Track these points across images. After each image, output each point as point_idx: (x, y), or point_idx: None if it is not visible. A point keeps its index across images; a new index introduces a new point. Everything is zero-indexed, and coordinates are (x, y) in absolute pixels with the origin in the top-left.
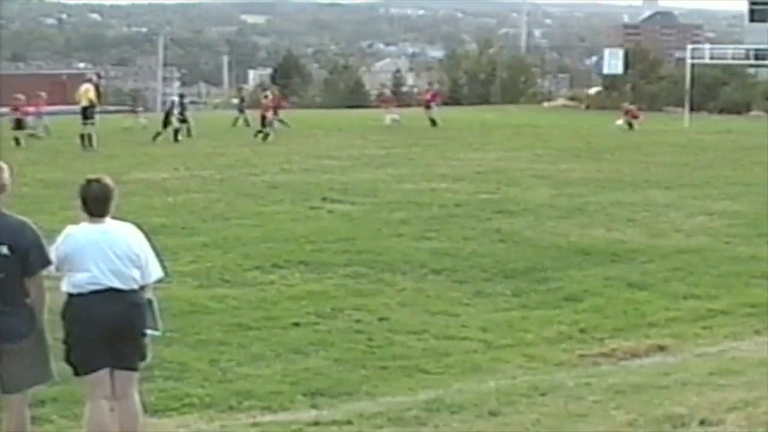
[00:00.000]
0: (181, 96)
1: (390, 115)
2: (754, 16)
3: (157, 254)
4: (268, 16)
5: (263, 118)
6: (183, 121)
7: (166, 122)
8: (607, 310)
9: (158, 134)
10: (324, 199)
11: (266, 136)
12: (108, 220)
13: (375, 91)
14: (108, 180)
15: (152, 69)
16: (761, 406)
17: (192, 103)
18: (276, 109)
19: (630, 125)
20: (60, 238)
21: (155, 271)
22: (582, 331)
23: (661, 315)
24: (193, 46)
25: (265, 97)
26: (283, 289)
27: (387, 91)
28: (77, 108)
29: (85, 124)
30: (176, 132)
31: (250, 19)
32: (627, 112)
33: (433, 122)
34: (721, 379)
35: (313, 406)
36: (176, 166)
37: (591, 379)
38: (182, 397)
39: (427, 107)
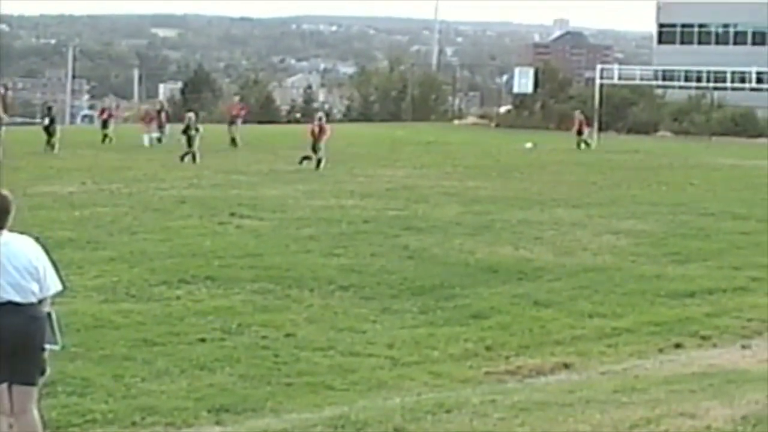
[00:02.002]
0: (49, 108)
1: (150, 135)
2: (662, 38)
3: (56, 267)
4: (179, 29)
5: (315, 142)
6: (49, 133)
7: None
8: (513, 328)
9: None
10: (232, 214)
11: (318, 162)
12: (5, 232)
13: (286, 107)
14: (6, 192)
15: (61, 81)
16: (663, 424)
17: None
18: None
19: (587, 144)
20: None
21: (54, 284)
22: (488, 348)
23: (567, 333)
24: (103, 58)
25: (320, 119)
26: (190, 305)
27: (144, 108)
28: None
29: None
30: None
31: (161, 32)
32: (579, 124)
33: (233, 141)
34: (625, 397)
35: (218, 423)
36: (83, 180)
37: (496, 396)
38: (85, 413)
39: (232, 122)
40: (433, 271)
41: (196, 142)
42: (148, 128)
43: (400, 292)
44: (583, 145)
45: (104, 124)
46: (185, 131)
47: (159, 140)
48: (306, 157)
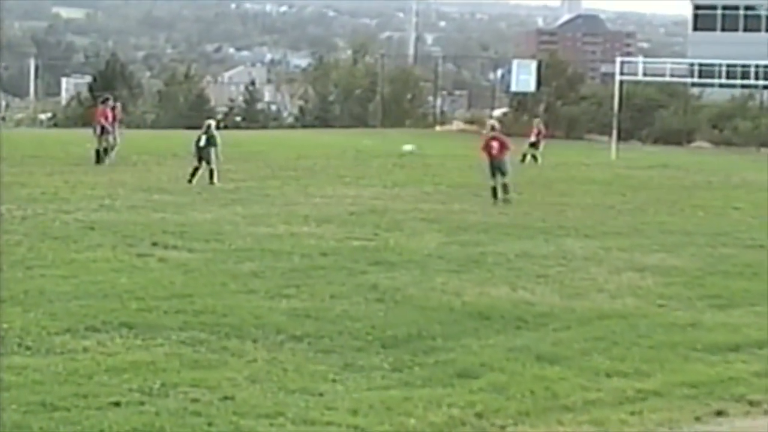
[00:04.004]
0: None
1: None
2: (699, 23)
3: None
4: (87, 9)
5: (494, 161)
6: None
7: None
8: (511, 390)
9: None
10: (155, 244)
11: (504, 188)
12: None
13: (223, 108)
14: None
15: None
16: None
17: None
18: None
19: (535, 158)
20: None
21: None
22: (478, 415)
23: (578, 396)
24: None
25: (492, 127)
26: (100, 359)
27: None
28: None
29: None
30: None
31: (65, 12)
32: (537, 133)
33: (98, 156)
34: None
35: None
36: None
37: None
38: None
39: (103, 132)
40: (409, 317)
41: (216, 156)
42: None
43: (367, 343)
44: (529, 159)
45: None
46: (206, 142)
47: None
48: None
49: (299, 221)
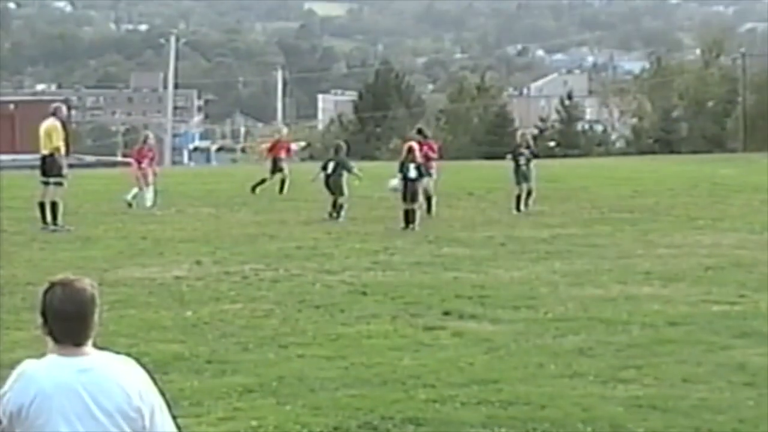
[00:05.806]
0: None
1: (147, 189)
2: None
3: (169, 406)
4: (349, 4)
5: None
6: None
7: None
8: None
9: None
10: (447, 313)
11: None
12: (89, 350)
13: (532, 129)
14: (85, 283)
15: (156, 93)
16: None
17: (221, 149)
18: None
19: None
20: (9, 382)
21: None
22: None
23: None
24: (226, 55)
25: None
26: None
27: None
28: (34, 158)
29: (47, 184)
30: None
31: (321, 9)
32: None
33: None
34: None
35: None
36: (197, 257)
37: None
38: None
39: (420, 173)
40: None
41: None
42: (141, 179)
43: None
44: None
45: (275, 165)
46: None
47: (153, 202)
48: None
49: (638, 280)
